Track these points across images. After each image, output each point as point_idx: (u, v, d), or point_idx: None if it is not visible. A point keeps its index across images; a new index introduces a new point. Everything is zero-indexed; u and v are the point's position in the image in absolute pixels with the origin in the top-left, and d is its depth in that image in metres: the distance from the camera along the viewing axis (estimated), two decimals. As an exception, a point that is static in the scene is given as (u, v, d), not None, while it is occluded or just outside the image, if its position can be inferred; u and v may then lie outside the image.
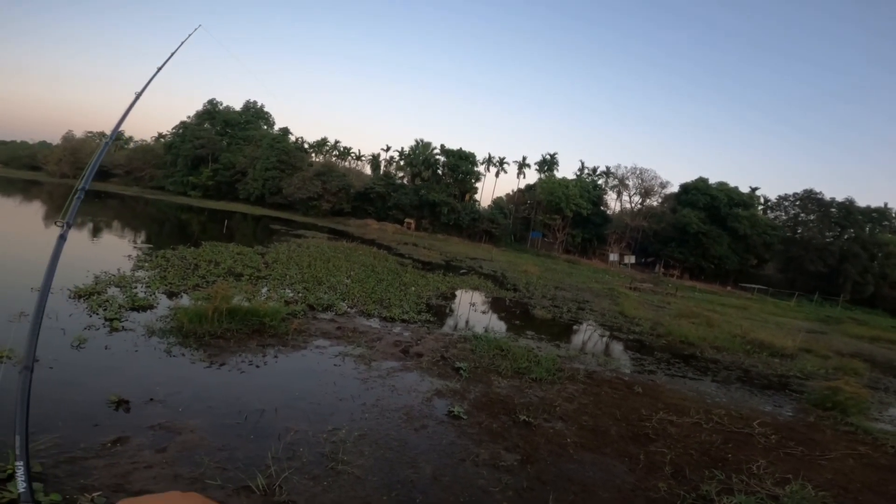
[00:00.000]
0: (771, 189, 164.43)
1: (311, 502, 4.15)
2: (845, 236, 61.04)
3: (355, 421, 5.99)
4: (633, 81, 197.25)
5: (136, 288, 11.20)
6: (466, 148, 72.11)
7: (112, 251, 17.16)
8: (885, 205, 62.73)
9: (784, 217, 67.83)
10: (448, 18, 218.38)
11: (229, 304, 9.06)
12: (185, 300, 10.60)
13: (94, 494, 3.74)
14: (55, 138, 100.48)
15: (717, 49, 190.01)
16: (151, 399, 5.74)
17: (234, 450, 4.84)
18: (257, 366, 7.49)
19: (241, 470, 4.44)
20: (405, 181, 74.56)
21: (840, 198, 62.38)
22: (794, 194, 66.54)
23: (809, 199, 64.52)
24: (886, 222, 62.53)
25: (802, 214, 65.71)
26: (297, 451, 5.00)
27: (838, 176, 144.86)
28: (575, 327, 16.64)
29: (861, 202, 62.20)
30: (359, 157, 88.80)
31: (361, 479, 4.63)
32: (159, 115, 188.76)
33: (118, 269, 12.98)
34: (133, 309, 9.52)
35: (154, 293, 11.05)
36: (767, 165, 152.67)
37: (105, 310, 9.11)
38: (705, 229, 59.73)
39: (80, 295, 9.93)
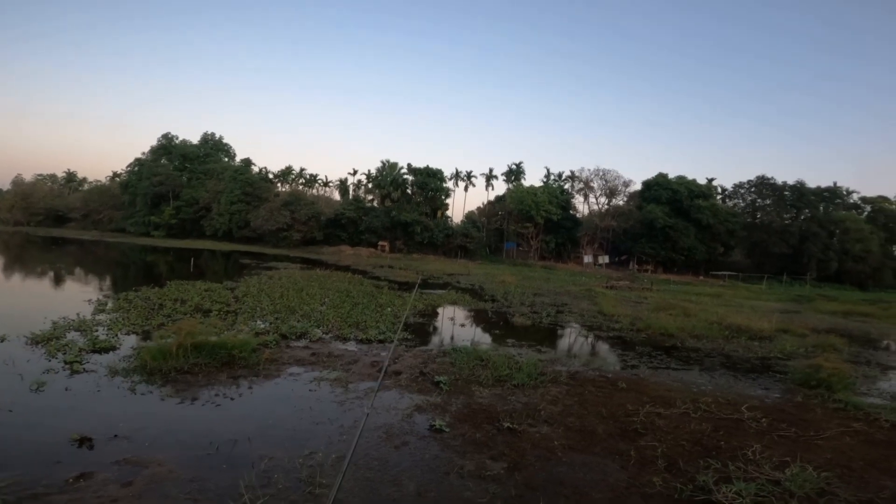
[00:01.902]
0: (726, 178, 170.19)
1: (289, 530, 3.89)
2: (802, 217, 63.49)
3: (333, 444, 5.72)
4: (587, 85, 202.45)
5: (96, 331, 10.75)
6: (434, 165, 72.48)
7: (71, 297, 16.39)
8: (835, 184, 66.10)
9: (742, 204, 70.09)
10: (403, 38, 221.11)
11: (194, 339, 8.68)
12: (149, 340, 10.15)
13: None
14: (3, 183, 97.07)
15: (666, 47, 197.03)
16: (115, 436, 5.48)
17: (206, 480, 4.60)
18: (229, 397, 7.16)
19: (212, 500, 4.23)
20: (375, 204, 74.26)
21: (791, 181, 65.20)
22: (749, 181, 68.95)
23: (763, 185, 66.90)
24: (839, 200, 65.41)
25: (759, 200, 68.02)
26: (273, 477, 4.74)
27: (787, 160, 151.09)
28: (555, 330, 16.57)
29: (811, 184, 65.15)
30: (326, 184, 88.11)
31: (342, 502, 4.37)
32: (111, 152, 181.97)
33: (77, 314, 12.42)
34: (94, 351, 9.17)
35: (116, 335, 10.59)
36: (720, 156, 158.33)
37: (65, 354, 8.77)
38: (671, 223, 61.05)
39: (37, 341, 9.55)
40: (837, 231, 60.19)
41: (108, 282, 23.83)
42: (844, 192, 66.17)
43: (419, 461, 5.48)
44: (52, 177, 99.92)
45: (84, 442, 5.26)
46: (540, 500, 4.74)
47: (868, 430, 7.57)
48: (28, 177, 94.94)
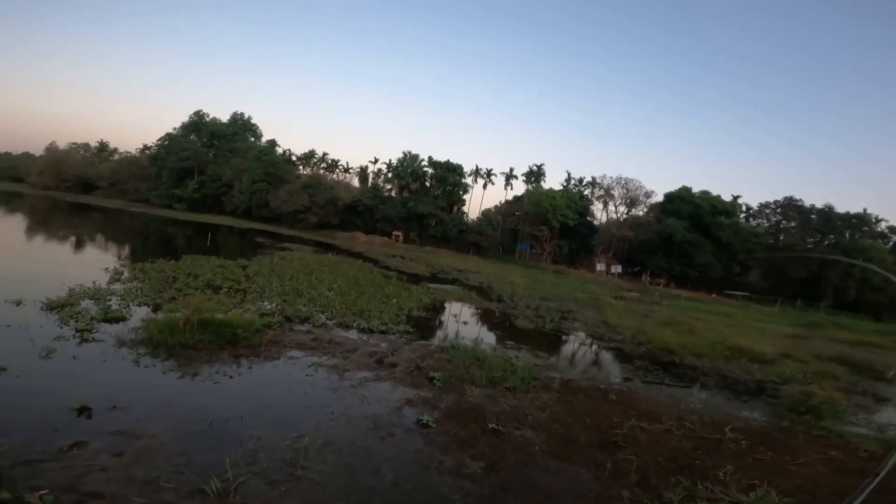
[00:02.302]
0: (752, 197, 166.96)
1: (267, 507, 4.16)
2: (826, 242, 62.11)
3: (321, 429, 5.99)
4: (618, 93, 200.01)
5: (110, 300, 11.13)
6: (454, 160, 72.52)
7: (91, 265, 16.96)
8: (864, 210, 64.08)
9: (766, 224, 68.89)
10: (436, 32, 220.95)
11: (202, 315, 9.01)
12: (159, 313, 10.53)
13: (42, 493, 3.76)
14: (39, 149, 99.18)
15: (700, 61, 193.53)
16: (114, 407, 5.75)
17: (194, 455, 4.87)
18: (229, 376, 7.47)
19: (197, 474, 4.47)
20: (393, 193, 74.58)
21: (820, 204, 63.74)
22: (776, 202, 67.67)
23: (790, 207, 65.62)
24: (866, 227, 63.73)
25: (784, 221, 66.78)
26: (258, 456, 5.01)
27: (818, 183, 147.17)
28: (556, 337, 16.70)
29: (840, 208, 63.57)
30: (347, 170, 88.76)
31: (320, 485, 4.63)
32: (145, 125, 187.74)
33: (94, 282, 12.87)
34: (105, 321, 9.49)
35: (128, 305, 11.00)
36: (749, 173, 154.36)
37: (77, 321, 9.10)
38: (689, 238, 60.39)
39: (52, 307, 9.90)
40: (860, 259, 58.90)
41: (126, 251, 24.49)
42: (873, 220, 64.42)
43: (401, 453, 5.73)
44: (86, 146, 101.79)
45: (84, 411, 5.51)
46: (511, 501, 4.94)
47: (844, 459, 7.63)
48: (62, 145, 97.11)
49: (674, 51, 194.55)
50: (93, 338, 8.31)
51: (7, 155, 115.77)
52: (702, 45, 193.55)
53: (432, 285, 24.67)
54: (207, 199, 74.00)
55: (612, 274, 62.70)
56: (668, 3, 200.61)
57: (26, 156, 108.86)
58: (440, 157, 72.49)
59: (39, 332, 8.28)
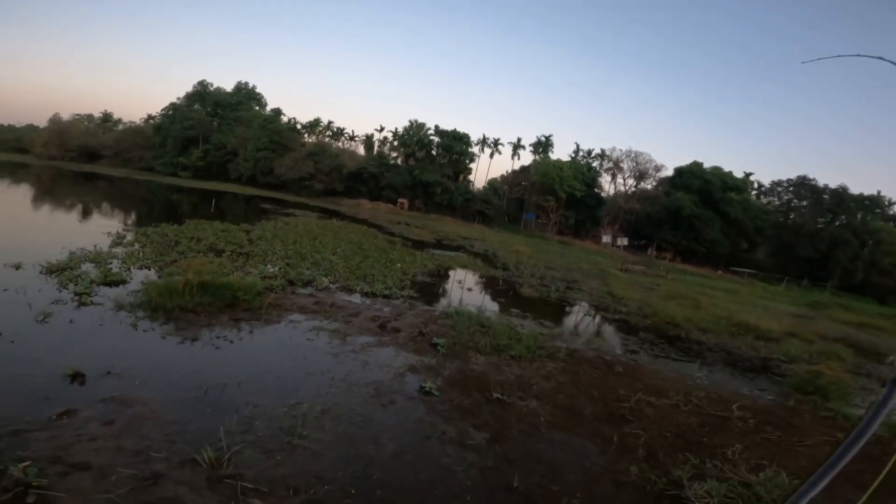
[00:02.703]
0: (765, 174, 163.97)
1: (261, 476, 4.00)
2: (837, 223, 61.10)
3: (320, 396, 5.83)
4: (630, 64, 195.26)
5: (110, 263, 10.98)
6: (461, 128, 71.48)
7: (93, 230, 16.77)
8: (879, 192, 62.83)
9: (777, 202, 67.78)
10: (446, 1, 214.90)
11: (202, 277, 8.82)
12: (160, 276, 10.37)
13: (25, 465, 3.59)
14: (42, 121, 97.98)
15: (716, 35, 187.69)
16: (108, 373, 5.56)
17: (187, 423, 4.69)
18: (228, 340, 7.31)
19: (189, 443, 4.29)
20: (399, 162, 73.78)
21: (833, 185, 62.44)
22: (788, 180, 66.40)
23: (803, 186, 64.41)
24: (879, 210, 62.60)
25: (795, 200, 65.65)
26: (254, 424, 4.84)
27: (833, 163, 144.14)
28: (561, 306, 16.52)
29: (854, 189, 62.27)
30: (352, 138, 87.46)
31: (318, 454, 4.47)
32: (149, 96, 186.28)
33: (95, 246, 12.71)
34: (105, 284, 9.33)
35: (129, 269, 10.85)
36: (762, 151, 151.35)
37: (76, 284, 8.92)
38: (698, 213, 59.62)
39: (51, 271, 9.73)
40: (870, 241, 58.02)
41: (131, 217, 24.32)
42: (886, 203, 63.33)
43: (403, 421, 5.57)
44: (90, 117, 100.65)
45: (76, 378, 5.33)
46: (515, 474, 4.78)
47: None
48: (66, 116, 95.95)
49: (692, 23, 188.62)
50: (91, 301, 8.13)
51: (11, 127, 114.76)
52: (720, 19, 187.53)
53: (436, 252, 24.46)
54: (212, 167, 73.61)
55: (618, 246, 62.23)
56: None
57: (30, 128, 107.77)
58: (447, 126, 71.64)
59: (37, 296, 8.09)
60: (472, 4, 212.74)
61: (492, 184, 77.55)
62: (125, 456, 3.96)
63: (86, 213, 22.49)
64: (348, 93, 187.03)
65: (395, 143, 76.07)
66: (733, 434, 6.87)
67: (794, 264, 59.40)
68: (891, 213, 63.87)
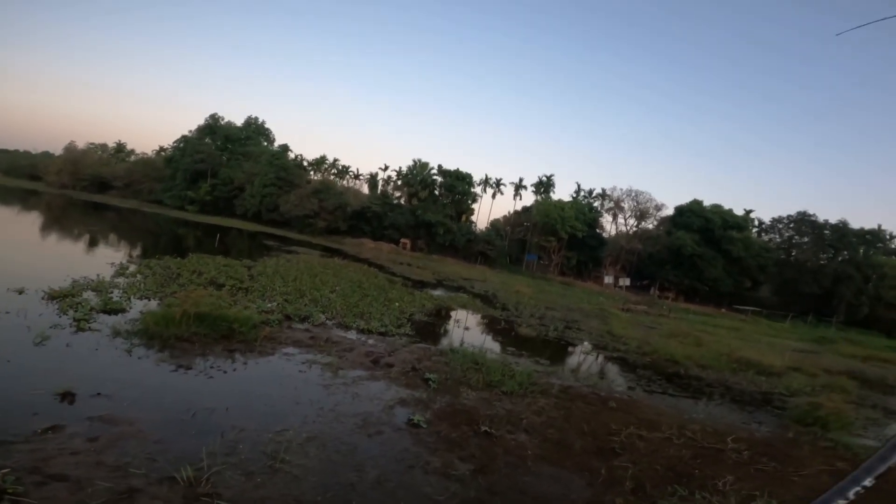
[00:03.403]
0: (765, 211, 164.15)
1: (239, 497, 4.04)
2: (839, 258, 60.96)
3: (307, 424, 5.87)
4: (631, 105, 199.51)
5: (111, 293, 11.17)
6: (464, 168, 72.67)
7: (98, 260, 17.07)
8: (879, 226, 62.79)
9: (778, 239, 67.81)
10: (450, 42, 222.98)
11: (199, 308, 8.97)
12: (158, 306, 10.52)
13: (3, 472, 3.69)
14: (58, 149, 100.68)
15: (712, 72, 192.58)
16: (99, 393, 5.69)
17: (171, 443, 4.76)
18: (221, 370, 7.38)
19: (171, 462, 4.36)
20: (402, 201, 74.70)
21: (834, 219, 62.65)
22: (788, 216, 66.59)
23: (803, 222, 64.64)
24: (880, 244, 62.52)
25: (796, 237, 65.72)
26: (238, 448, 4.89)
27: (832, 198, 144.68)
28: (559, 345, 16.47)
29: (854, 224, 62.44)
30: (357, 176, 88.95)
31: (299, 479, 4.50)
32: (161, 128, 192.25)
33: (98, 275, 12.93)
34: (104, 312, 9.52)
35: (129, 298, 11.01)
36: (762, 187, 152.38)
37: (76, 311, 9.12)
38: (700, 251, 59.70)
39: (53, 297, 9.94)
40: (874, 276, 57.77)
41: (136, 249, 24.67)
42: (888, 236, 63.37)
43: (388, 451, 5.58)
44: (104, 146, 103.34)
45: (66, 396, 5.45)
46: (497, 504, 4.77)
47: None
48: (81, 145, 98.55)
49: (687, 63, 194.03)
50: (89, 327, 8.31)
51: (27, 154, 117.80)
52: (716, 57, 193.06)
53: (436, 292, 24.54)
54: (219, 202, 74.69)
55: (620, 287, 62.09)
56: (681, 14, 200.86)
57: (45, 155, 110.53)
58: (450, 166, 72.68)
59: (37, 320, 8.30)
60: (476, 47, 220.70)
61: (494, 224, 78.23)
62: (104, 470, 4.04)
63: (92, 244, 22.88)
64: (355, 131, 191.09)
65: (399, 182, 77.19)
66: (726, 466, 6.82)
67: (799, 301, 58.92)
68: (892, 246, 63.69)
